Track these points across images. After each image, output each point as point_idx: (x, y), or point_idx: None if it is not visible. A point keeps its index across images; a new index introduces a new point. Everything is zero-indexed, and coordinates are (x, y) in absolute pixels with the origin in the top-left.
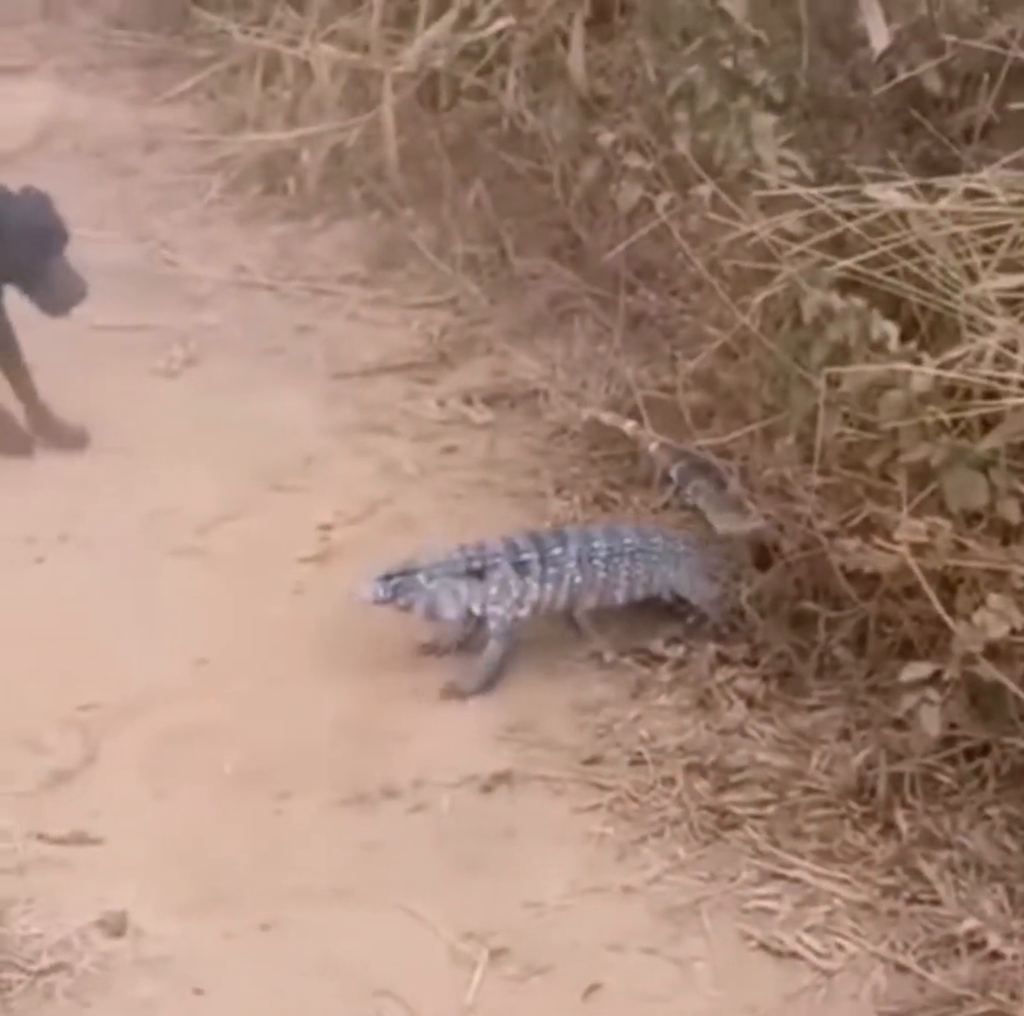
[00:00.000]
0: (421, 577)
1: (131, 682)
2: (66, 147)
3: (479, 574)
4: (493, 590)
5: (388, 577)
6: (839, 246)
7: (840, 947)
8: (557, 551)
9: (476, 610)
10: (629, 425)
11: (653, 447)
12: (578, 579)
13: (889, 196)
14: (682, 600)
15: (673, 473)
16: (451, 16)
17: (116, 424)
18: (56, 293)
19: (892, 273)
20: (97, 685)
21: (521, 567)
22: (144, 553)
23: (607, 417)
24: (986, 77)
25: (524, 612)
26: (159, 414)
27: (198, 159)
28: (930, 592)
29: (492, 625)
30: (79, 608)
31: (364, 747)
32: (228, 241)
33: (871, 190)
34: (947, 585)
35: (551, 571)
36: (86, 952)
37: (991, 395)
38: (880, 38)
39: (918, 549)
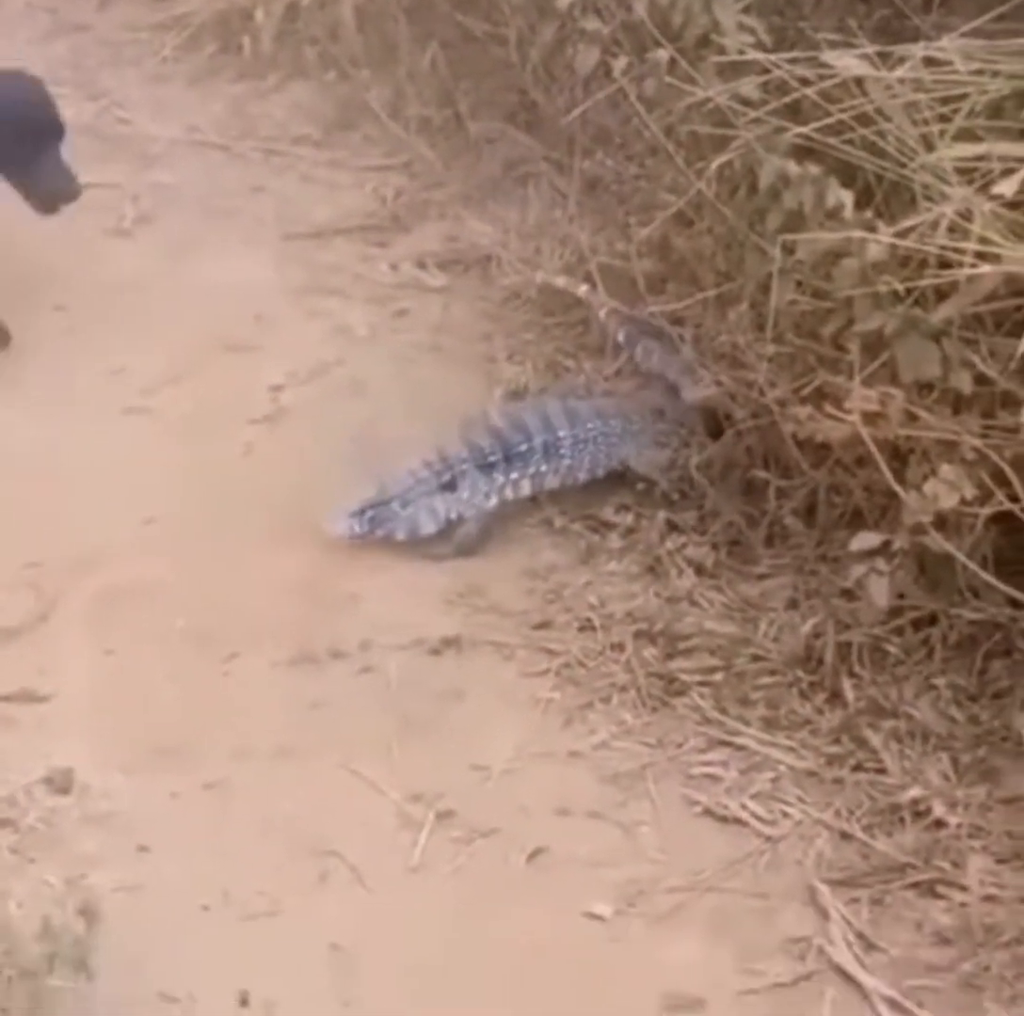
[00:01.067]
0: (396, 505)
1: (79, 540)
2: (18, 3)
3: (451, 485)
4: (466, 494)
5: (362, 511)
6: (796, 113)
7: (785, 814)
8: (523, 447)
9: (453, 516)
10: (582, 289)
11: (602, 313)
12: (544, 467)
13: (847, 63)
14: (632, 468)
15: (621, 337)
16: None
17: (66, 282)
18: (44, 189)
19: (849, 141)
20: (44, 543)
21: (488, 468)
22: (93, 412)
23: (561, 280)
24: None
25: (493, 502)
26: (110, 273)
27: (152, 16)
28: (881, 462)
29: (469, 513)
30: (25, 467)
31: (313, 608)
32: (181, 100)
33: (829, 57)
34: (898, 455)
35: (517, 465)
36: (31, 808)
37: (945, 265)
38: None
39: (870, 418)
